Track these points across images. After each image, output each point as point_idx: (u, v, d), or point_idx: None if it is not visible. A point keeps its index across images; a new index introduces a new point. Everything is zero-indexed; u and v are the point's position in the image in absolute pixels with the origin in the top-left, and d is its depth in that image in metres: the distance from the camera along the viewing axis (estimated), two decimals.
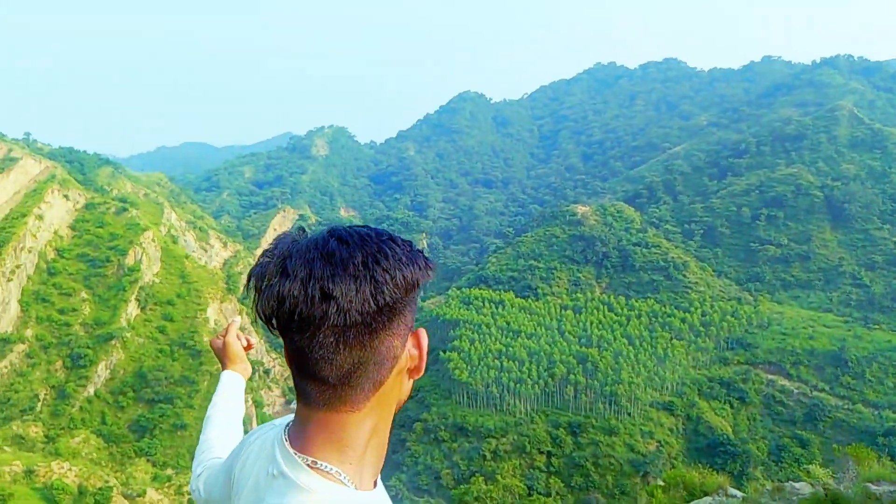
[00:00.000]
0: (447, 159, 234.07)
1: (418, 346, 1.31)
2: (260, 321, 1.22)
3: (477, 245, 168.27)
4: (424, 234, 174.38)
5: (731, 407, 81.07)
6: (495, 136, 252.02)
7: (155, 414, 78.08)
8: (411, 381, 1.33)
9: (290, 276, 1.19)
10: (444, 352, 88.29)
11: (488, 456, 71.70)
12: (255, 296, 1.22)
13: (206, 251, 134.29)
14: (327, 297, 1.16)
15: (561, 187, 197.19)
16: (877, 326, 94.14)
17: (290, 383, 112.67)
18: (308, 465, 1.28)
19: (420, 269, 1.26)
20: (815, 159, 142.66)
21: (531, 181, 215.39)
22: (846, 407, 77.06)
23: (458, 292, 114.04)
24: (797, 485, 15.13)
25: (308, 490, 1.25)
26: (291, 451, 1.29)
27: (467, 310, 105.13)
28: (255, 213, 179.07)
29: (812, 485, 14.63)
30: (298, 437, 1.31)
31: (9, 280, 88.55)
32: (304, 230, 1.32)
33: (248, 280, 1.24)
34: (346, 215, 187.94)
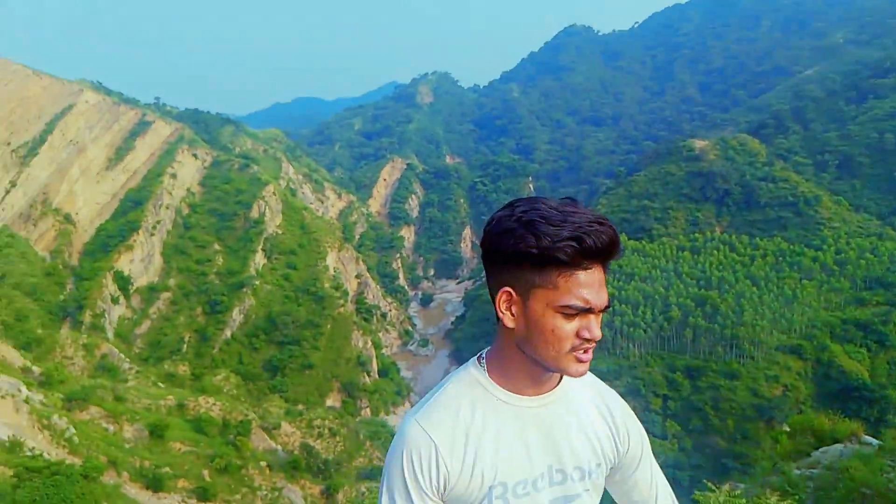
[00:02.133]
0: (553, 99, 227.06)
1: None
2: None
3: (587, 187, 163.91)
4: (530, 178, 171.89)
5: (869, 350, 75.04)
6: (604, 70, 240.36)
7: (285, 355, 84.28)
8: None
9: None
10: None
11: None
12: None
13: (322, 203, 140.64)
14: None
15: (677, 121, 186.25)
16: None
17: (406, 327, 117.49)
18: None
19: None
20: None
21: (644, 116, 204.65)
22: None
23: None
24: None
25: None
26: None
27: None
28: (365, 164, 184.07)
29: None
30: None
31: (152, 235, 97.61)
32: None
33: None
34: (452, 162, 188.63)
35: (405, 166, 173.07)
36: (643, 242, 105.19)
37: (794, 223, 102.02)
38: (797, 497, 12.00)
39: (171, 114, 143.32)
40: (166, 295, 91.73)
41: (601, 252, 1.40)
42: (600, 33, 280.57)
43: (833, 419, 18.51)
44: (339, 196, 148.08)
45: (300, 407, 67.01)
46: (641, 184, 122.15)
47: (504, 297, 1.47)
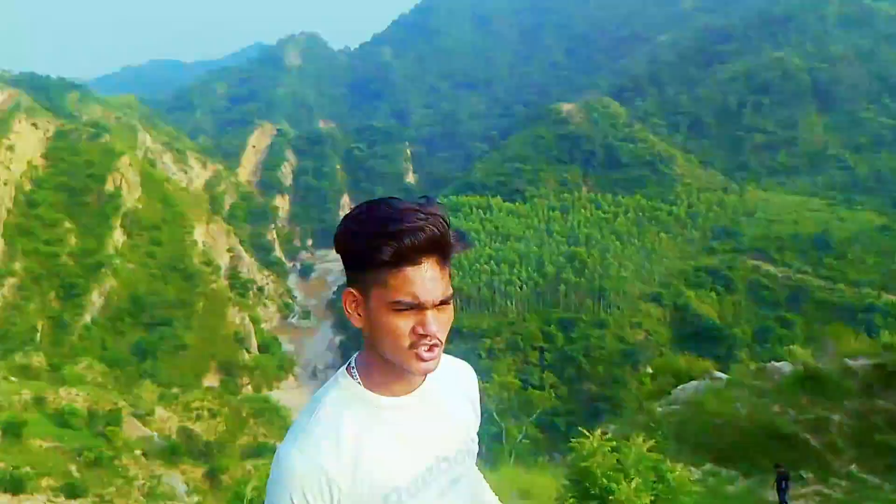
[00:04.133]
0: (427, 62, 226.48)
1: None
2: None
3: (462, 152, 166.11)
4: (406, 143, 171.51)
5: (717, 294, 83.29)
6: (475, 34, 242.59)
7: (154, 337, 79.37)
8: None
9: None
10: None
11: (483, 355, 74.15)
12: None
13: (186, 173, 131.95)
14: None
15: (545, 85, 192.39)
16: (860, 207, 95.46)
17: (286, 300, 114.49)
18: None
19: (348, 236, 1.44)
20: (803, 41, 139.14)
21: (515, 80, 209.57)
22: (828, 287, 79.41)
23: (446, 200, 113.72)
24: (779, 364, 15.68)
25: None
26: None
27: (455, 218, 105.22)
28: (231, 131, 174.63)
29: (793, 364, 15.17)
30: None
31: None
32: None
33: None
34: (326, 127, 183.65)
35: (275, 132, 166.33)
36: (517, 204, 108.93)
37: (651, 181, 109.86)
38: (661, 432, 13.05)
39: (4, 77, 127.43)
40: (12, 281, 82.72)
41: (421, 250, 1.39)
42: None
43: (689, 359, 20.30)
44: (205, 165, 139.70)
45: (175, 390, 63.60)
46: (514, 147, 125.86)
47: (349, 298, 1.48)
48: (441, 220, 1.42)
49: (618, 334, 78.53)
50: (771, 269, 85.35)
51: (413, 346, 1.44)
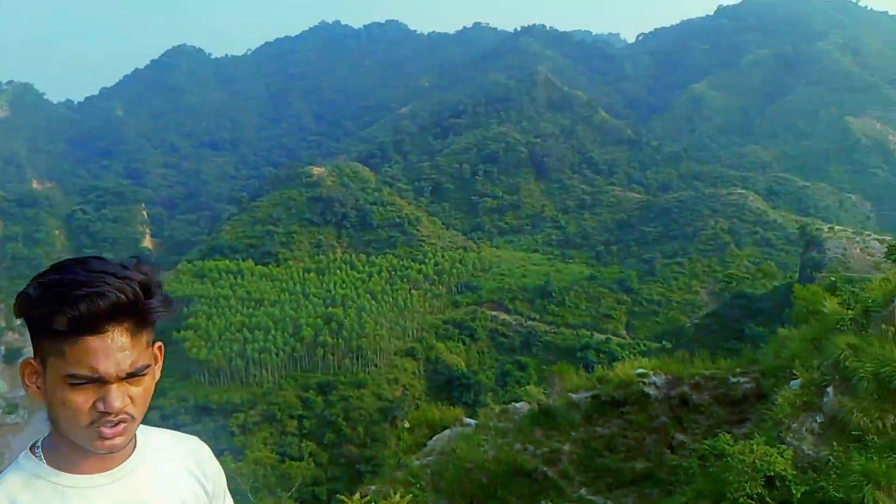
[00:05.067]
0: (165, 119, 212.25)
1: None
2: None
3: (208, 213, 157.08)
4: (142, 205, 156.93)
5: (464, 344, 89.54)
6: (220, 94, 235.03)
7: None
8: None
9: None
10: (178, 331, 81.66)
11: (236, 431, 68.92)
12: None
13: None
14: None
15: (295, 148, 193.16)
16: (572, 260, 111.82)
17: None
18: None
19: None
20: (520, 119, 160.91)
21: (263, 143, 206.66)
22: (552, 331, 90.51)
23: (190, 266, 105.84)
24: (518, 405, 17.13)
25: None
26: None
27: (202, 284, 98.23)
28: None
29: (529, 402, 16.69)
30: None
31: None
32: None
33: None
34: (42, 187, 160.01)
35: None
36: (270, 267, 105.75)
37: (401, 241, 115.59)
38: (418, 485, 13.23)
39: None
40: None
41: (104, 316, 1.23)
42: (213, 56, 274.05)
43: (442, 409, 21.15)
44: None
45: None
46: (265, 209, 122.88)
47: (28, 369, 1.31)
48: (131, 284, 1.26)
49: (376, 392, 79.29)
50: (506, 317, 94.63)
51: (93, 423, 1.28)
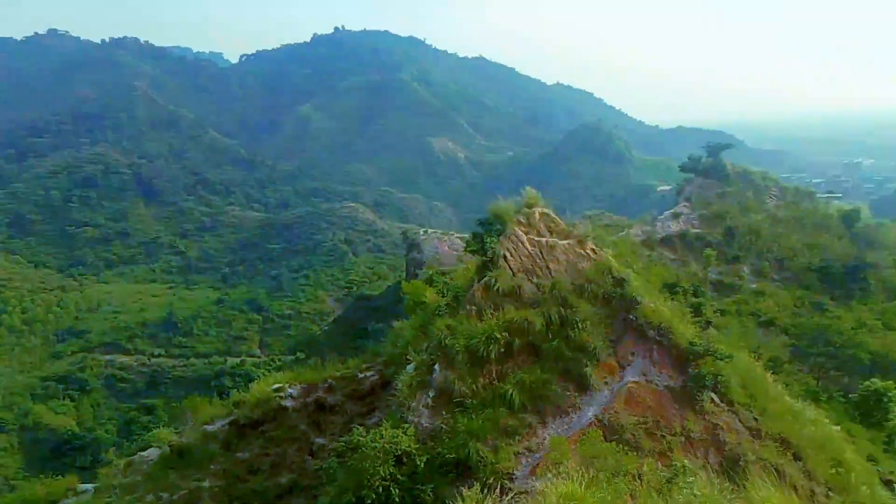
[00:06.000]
0: None
1: None
2: None
3: None
4: None
5: (72, 400, 76.49)
6: None
7: None
8: None
9: None
10: None
11: None
12: None
13: None
14: None
15: None
16: (196, 286, 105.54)
17: None
18: None
19: None
20: (120, 138, 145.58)
21: None
22: (182, 364, 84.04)
23: None
24: (146, 452, 15.36)
25: None
26: None
27: None
28: None
29: (159, 447, 15.11)
30: None
31: None
32: None
33: None
34: None
35: None
36: None
37: None
38: None
39: None
40: None
41: None
42: None
43: (46, 483, 17.60)
44: None
45: None
46: None
47: None
48: None
49: None
50: (125, 359, 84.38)
51: None
